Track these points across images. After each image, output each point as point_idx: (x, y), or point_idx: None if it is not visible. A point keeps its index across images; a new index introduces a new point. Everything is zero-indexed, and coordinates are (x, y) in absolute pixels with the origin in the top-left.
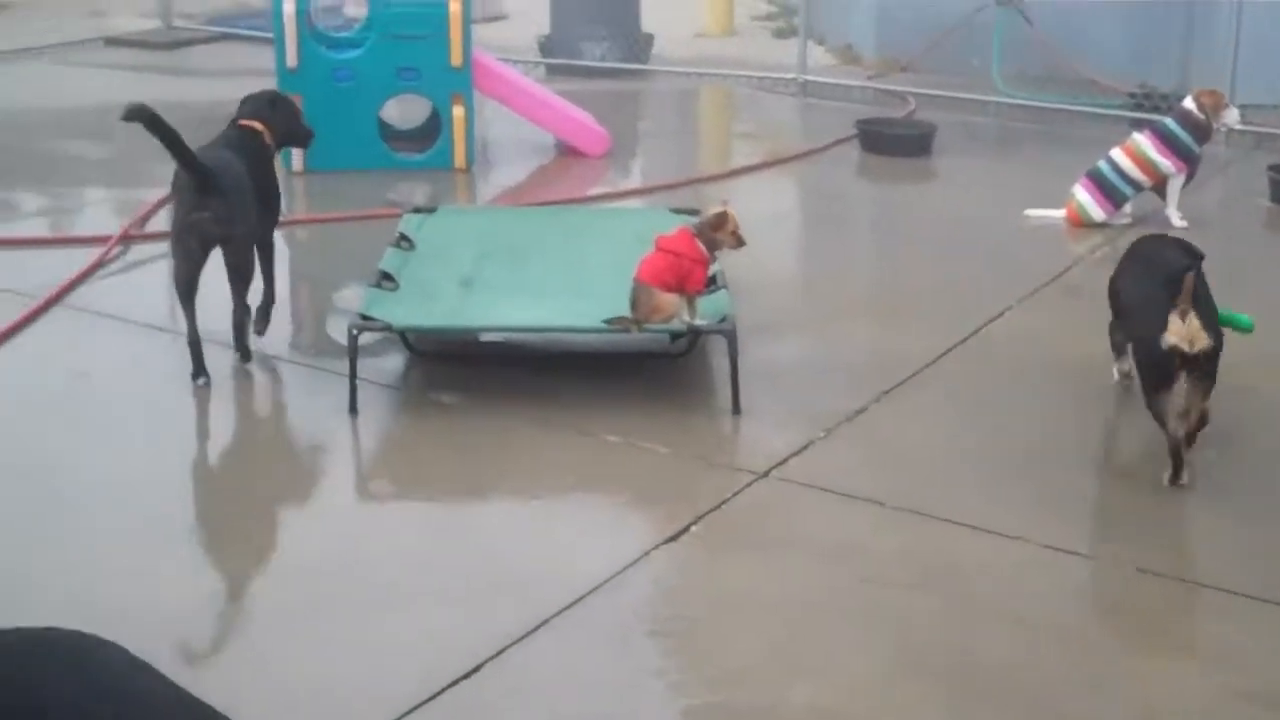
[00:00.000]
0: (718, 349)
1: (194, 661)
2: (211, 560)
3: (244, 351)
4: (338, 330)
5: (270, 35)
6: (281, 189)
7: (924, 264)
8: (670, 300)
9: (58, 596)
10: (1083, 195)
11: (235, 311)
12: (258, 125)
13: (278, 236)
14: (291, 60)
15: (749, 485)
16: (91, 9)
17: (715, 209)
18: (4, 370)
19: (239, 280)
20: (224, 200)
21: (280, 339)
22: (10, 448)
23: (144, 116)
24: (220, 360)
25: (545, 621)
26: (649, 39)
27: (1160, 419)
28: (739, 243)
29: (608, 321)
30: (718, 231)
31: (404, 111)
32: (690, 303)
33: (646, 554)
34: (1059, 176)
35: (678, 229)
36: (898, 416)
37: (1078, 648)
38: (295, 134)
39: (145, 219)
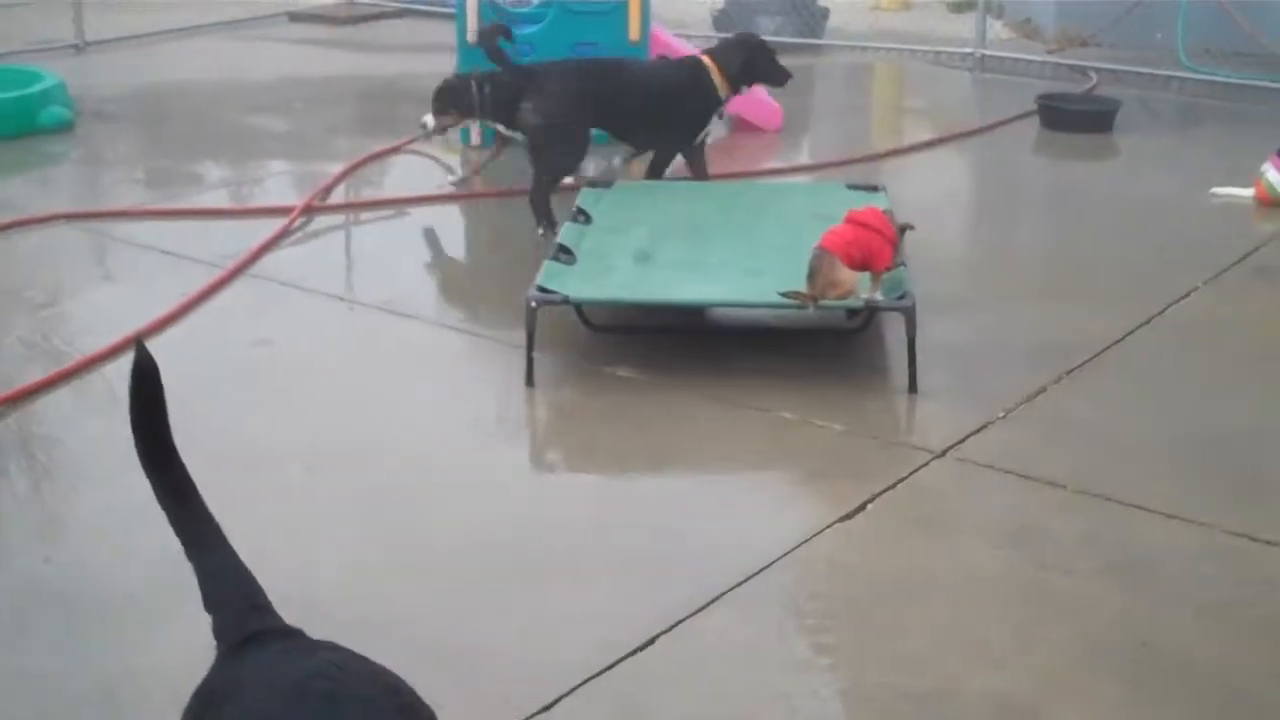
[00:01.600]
0: (893, 326)
1: (370, 631)
2: (387, 529)
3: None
4: (506, 303)
5: (448, 10)
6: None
7: (1105, 243)
8: (851, 276)
9: None
10: (1273, 174)
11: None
12: (706, 60)
13: (459, 208)
14: (473, 36)
15: (926, 465)
16: None
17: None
18: (191, 336)
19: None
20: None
21: (458, 310)
22: (195, 413)
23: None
24: (399, 330)
25: (718, 596)
26: (824, 13)
27: None
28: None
29: (784, 294)
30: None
31: None
32: (874, 280)
33: (820, 532)
34: (1247, 154)
35: (868, 205)
36: (1079, 398)
37: (1271, 639)
38: (765, 73)
39: (327, 191)
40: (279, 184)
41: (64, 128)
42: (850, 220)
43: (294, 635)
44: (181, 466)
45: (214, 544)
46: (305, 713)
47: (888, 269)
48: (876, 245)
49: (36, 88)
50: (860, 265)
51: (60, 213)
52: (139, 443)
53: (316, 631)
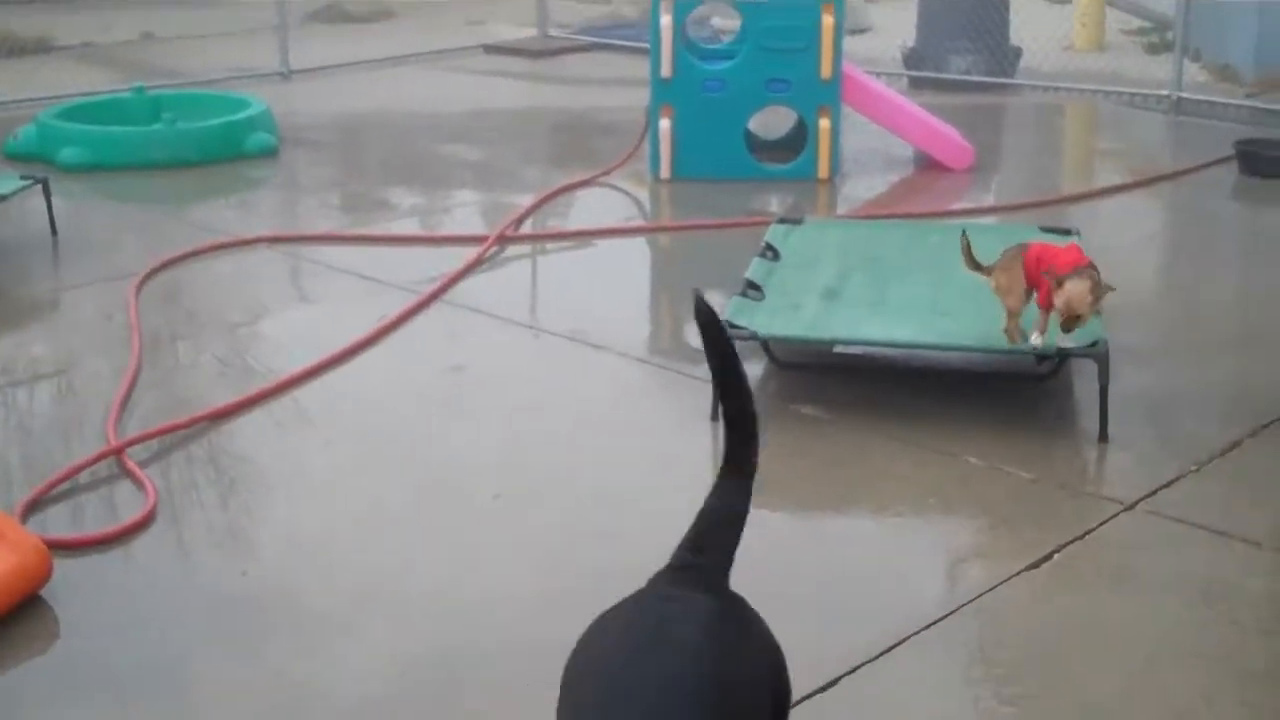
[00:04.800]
0: (1082, 372)
1: (552, 654)
2: (572, 561)
3: None
4: (693, 337)
5: (640, 45)
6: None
7: None
8: (1019, 290)
9: (428, 584)
10: None
11: None
12: None
13: (648, 242)
14: (666, 70)
15: (1115, 516)
16: (471, 18)
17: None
18: (386, 360)
19: None
20: None
21: (645, 342)
22: (390, 437)
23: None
24: (587, 360)
25: (902, 640)
26: (1017, 52)
27: None
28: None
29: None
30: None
31: (765, 122)
32: (1042, 318)
33: (1007, 580)
34: None
35: (1070, 244)
36: (1276, 452)
37: None
38: None
39: (520, 221)
40: (468, 213)
41: (268, 153)
42: (1045, 244)
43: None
44: (746, 407)
45: (732, 492)
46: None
47: (1044, 307)
48: (1047, 264)
49: (243, 114)
50: (1031, 284)
51: (262, 236)
52: (717, 375)
53: (515, 655)
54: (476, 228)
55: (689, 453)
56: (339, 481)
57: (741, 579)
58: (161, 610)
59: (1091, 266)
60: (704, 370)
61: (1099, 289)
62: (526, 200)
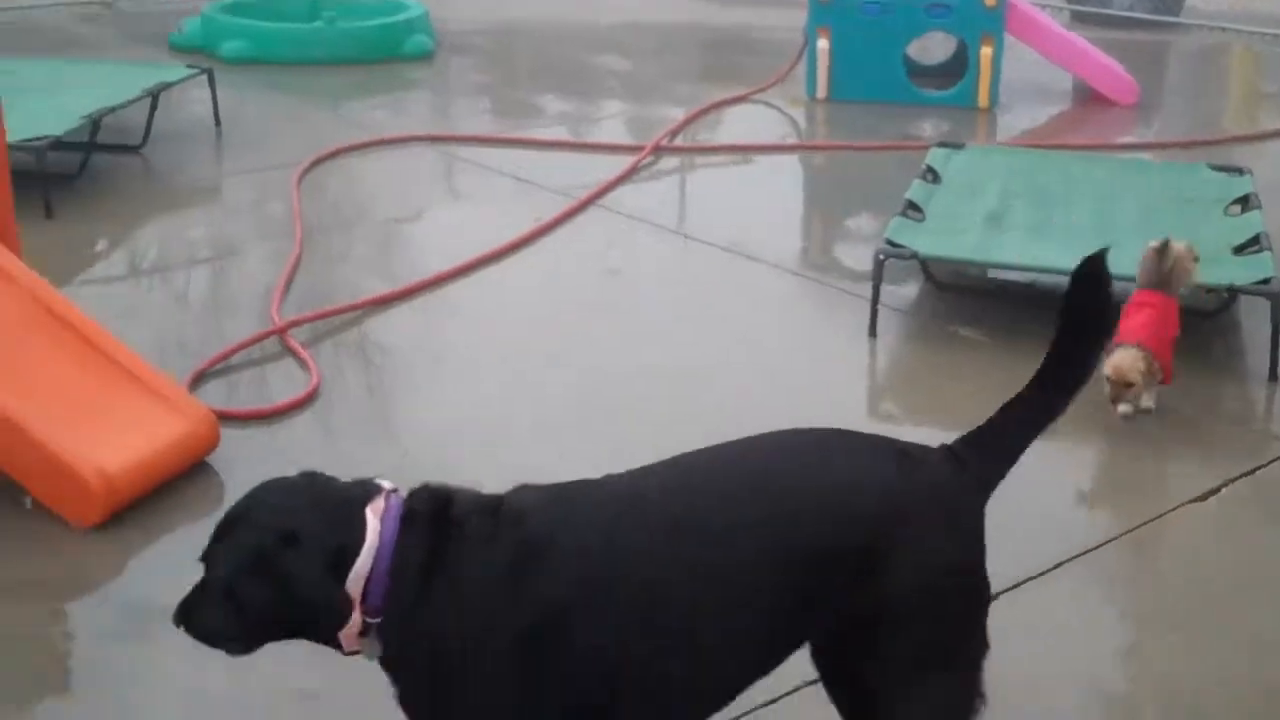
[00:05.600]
0: (1252, 312)
1: None
2: None
3: None
4: (848, 254)
5: None
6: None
7: None
8: (1137, 368)
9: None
10: None
11: None
12: None
13: (806, 159)
14: None
15: None
16: None
17: (1147, 253)
18: (543, 261)
19: None
20: None
21: (802, 256)
22: (545, 333)
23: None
24: (742, 271)
25: (1058, 565)
26: None
27: None
28: (1188, 271)
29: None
30: (1167, 271)
31: (923, 47)
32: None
33: (1168, 513)
34: None
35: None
36: None
37: None
38: None
39: (675, 133)
40: (616, 123)
41: (424, 56)
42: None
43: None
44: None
45: (1026, 411)
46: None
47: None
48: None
49: (402, 17)
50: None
51: (420, 135)
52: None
53: None
54: (624, 138)
55: (844, 365)
56: (490, 376)
57: None
58: None
59: (1144, 345)
60: (860, 287)
61: (1150, 366)
62: (676, 114)
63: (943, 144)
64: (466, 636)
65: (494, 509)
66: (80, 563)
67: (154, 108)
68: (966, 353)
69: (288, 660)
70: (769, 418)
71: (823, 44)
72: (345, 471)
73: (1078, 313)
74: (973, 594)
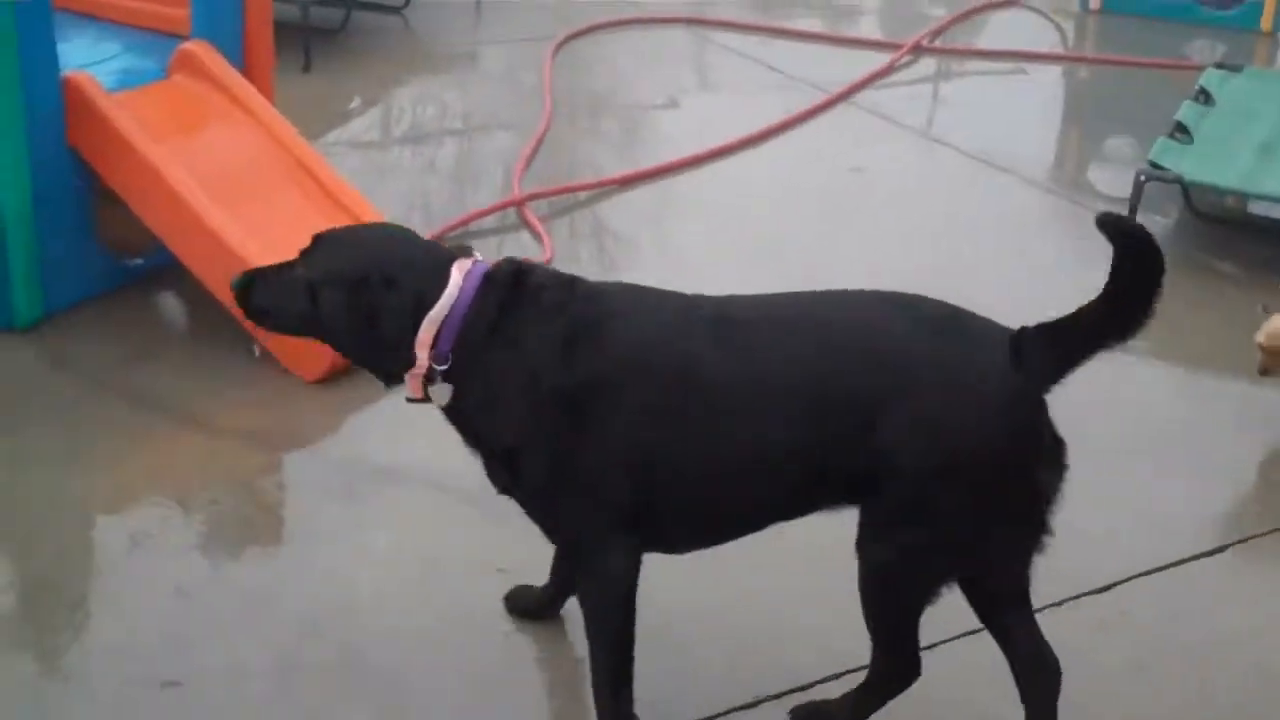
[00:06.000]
0: None
1: None
2: None
3: None
4: (1105, 175)
5: None
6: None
7: None
8: None
9: None
10: None
11: None
12: None
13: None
14: None
15: None
16: None
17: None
18: (790, 152)
19: None
20: None
21: (1055, 171)
22: (780, 227)
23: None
24: (992, 181)
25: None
26: None
27: None
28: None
29: None
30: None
31: None
32: None
33: None
34: None
35: None
36: None
37: None
38: None
39: (936, 34)
40: (877, 20)
41: None
42: None
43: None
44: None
45: (1104, 319)
46: None
47: None
48: None
49: None
50: None
51: (678, 16)
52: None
53: None
54: (883, 35)
55: (1088, 290)
56: (718, 267)
57: (1128, 431)
58: None
59: None
60: (1116, 209)
61: None
62: (938, 13)
63: (1219, 65)
64: (516, 386)
65: (569, 285)
66: (300, 416)
67: None
68: (1218, 286)
69: (484, 536)
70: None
71: None
72: None
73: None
74: (980, 478)
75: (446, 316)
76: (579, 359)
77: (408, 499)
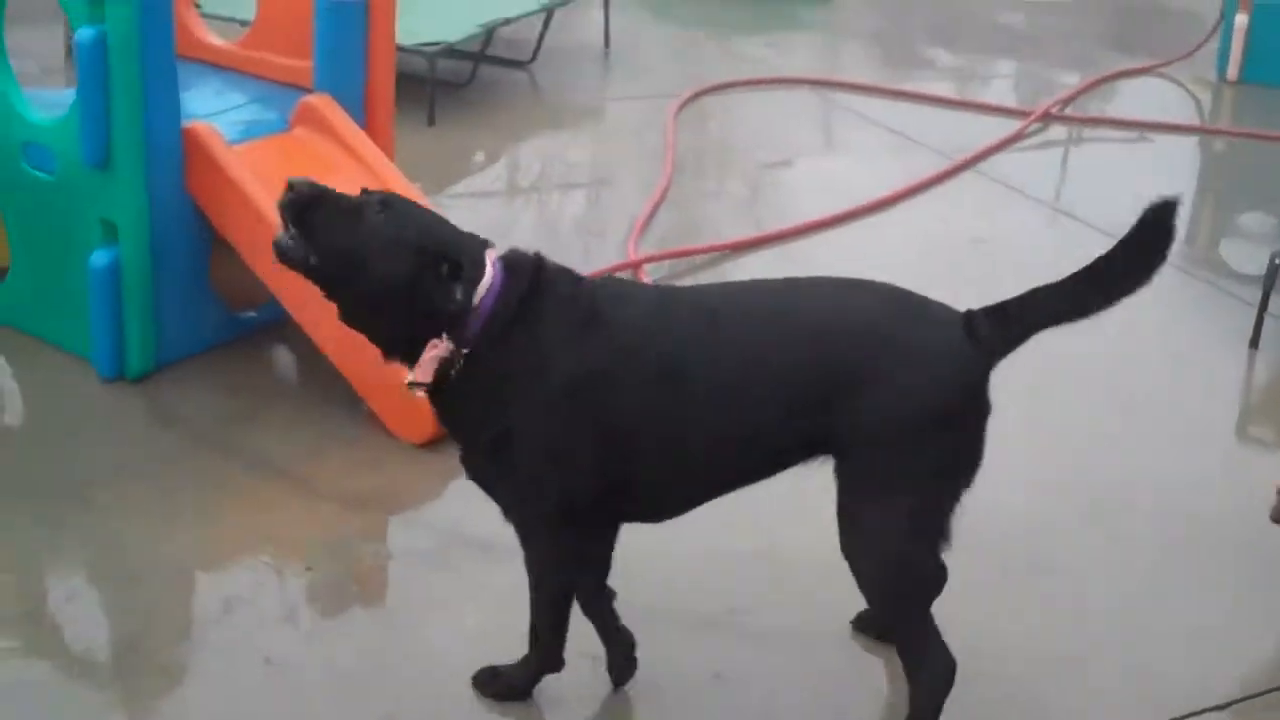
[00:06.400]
0: None
1: (1042, 571)
2: (1074, 458)
3: None
4: (1238, 252)
5: None
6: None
7: None
8: None
9: None
10: None
11: None
12: None
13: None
14: None
15: None
16: None
17: None
18: (909, 220)
19: None
20: None
21: (1186, 249)
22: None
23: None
24: None
25: None
26: None
27: None
28: None
29: None
30: None
31: None
32: None
33: None
34: None
35: None
36: None
37: None
38: None
39: (1067, 101)
40: (1007, 84)
41: None
42: None
43: None
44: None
45: (1072, 298)
46: None
47: None
48: None
49: None
50: None
51: (803, 77)
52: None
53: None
54: (1011, 100)
55: (1215, 375)
56: None
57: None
58: None
59: None
60: (1248, 291)
61: None
62: (1068, 79)
63: None
64: (531, 374)
65: (578, 278)
66: (401, 480)
67: (547, 24)
68: None
69: (577, 620)
70: (1119, 415)
71: (1241, 19)
72: None
73: (1140, 242)
74: (942, 439)
75: (482, 299)
76: (586, 350)
77: (504, 573)
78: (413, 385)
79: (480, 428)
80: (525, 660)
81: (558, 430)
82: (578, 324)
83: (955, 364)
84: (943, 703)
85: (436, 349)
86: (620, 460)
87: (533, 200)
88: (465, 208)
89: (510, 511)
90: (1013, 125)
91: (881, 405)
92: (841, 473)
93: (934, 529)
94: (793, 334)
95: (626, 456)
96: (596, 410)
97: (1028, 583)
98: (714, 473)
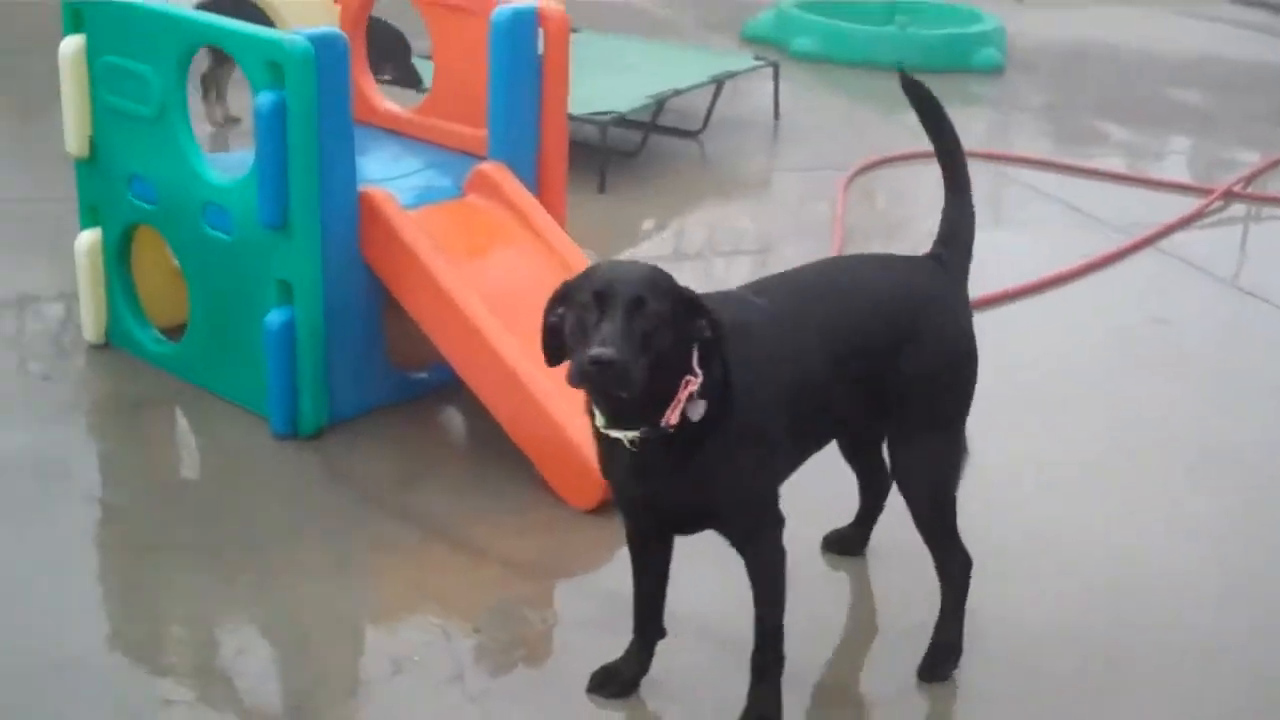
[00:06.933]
0: None
1: (1217, 650)
2: (1248, 539)
3: None
4: None
5: None
6: None
7: None
8: None
9: (1095, 540)
10: None
11: None
12: None
13: None
14: None
15: None
16: None
17: None
18: (1086, 299)
19: None
20: None
21: None
22: (1081, 377)
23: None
24: None
25: None
26: None
27: None
28: None
29: None
30: None
31: None
32: None
33: None
34: None
35: None
36: None
37: None
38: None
39: (1250, 180)
40: (1181, 161)
41: (993, 70)
42: None
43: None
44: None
45: (961, 205)
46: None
47: None
48: None
49: (976, 29)
50: None
51: (974, 151)
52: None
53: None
54: (1186, 177)
55: None
56: (1017, 415)
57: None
58: None
59: None
60: None
61: None
62: (1246, 157)
63: None
64: (758, 400)
65: (726, 298)
66: (570, 546)
67: (717, 95)
68: None
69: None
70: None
71: None
72: None
73: (925, 120)
74: (971, 360)
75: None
76: (780, 363)
77: (671, 644)
78: (653, 434)
79: (699, 464)
80: (760, 690)
81: (771, 433)
82: (739, 327)
83: (962, 297)
84: (967, 592)
85: (692, 383)
86: (798, 421)
87: (700, 269)
88: None
89: (739, 517)
90: (1188, 202)
91: (930, 351)
92: (896, 415)
93: (963, 449)
94: (870, 300)
95: (797, 418)
96: (777, 384)
97: None
98: (823, 427)
